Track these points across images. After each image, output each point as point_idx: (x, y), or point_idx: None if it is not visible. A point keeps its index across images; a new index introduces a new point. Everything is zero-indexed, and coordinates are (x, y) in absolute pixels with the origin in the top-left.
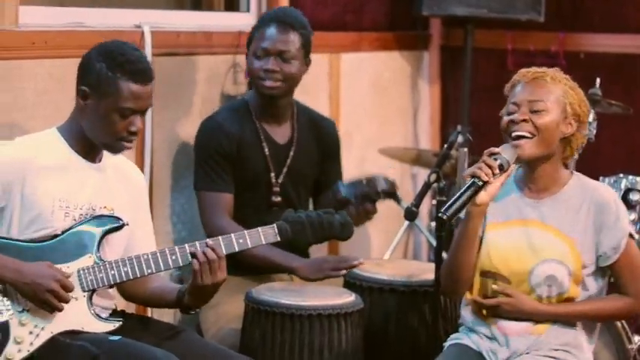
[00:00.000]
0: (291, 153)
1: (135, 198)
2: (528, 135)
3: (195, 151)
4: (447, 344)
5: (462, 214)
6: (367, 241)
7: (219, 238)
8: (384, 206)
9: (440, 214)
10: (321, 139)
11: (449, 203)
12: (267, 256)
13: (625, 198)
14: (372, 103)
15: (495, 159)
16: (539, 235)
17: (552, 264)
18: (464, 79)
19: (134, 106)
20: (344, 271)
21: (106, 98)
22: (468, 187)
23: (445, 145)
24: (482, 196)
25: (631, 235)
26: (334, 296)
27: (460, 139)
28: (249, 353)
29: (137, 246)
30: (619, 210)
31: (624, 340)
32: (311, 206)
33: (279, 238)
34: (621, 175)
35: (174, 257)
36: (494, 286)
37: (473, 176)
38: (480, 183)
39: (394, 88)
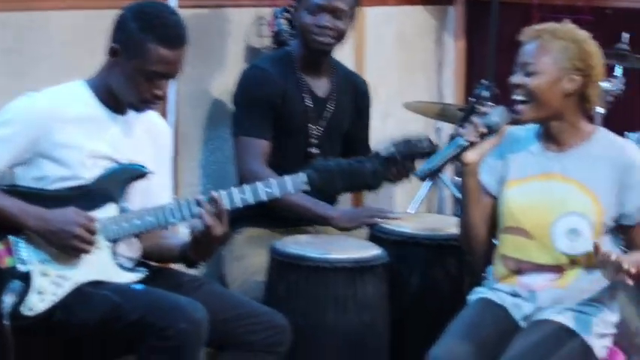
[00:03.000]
0: (330, 106)
1: (159, 151)
2: (523, 99)
3: (237, 98)
4: (471, 298)
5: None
6: (391, 195)
7: (245, 187)
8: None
9: (417, 173)
10: (356, 95)
11: (427, 161)
12: (303, 204)
13: None
14: (396, 57)
15: (483, 120)
16: (562, 188)
17: (574, 217)
18: (489, 34)
19: (161, 70)
20: (379, 220)
21: (134, 59)
22: (450, 146)
23: (470, 99)
24: (470, 156)
25: None
26: (360, 249)
27: (486, 93)
28: (273, 305)
29: (155, 200)
30: None
31: None
32: None
33: (308, 187)
34: None
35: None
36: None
37: (457, 135)
38: (465, 143)
39: (419, 43)
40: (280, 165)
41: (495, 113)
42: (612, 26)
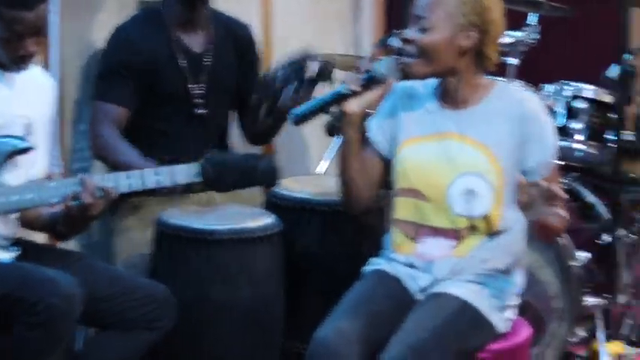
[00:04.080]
0: (209, 61)
1: (47, 108)
2: (413, 54)
3: (100, 62)
4: (365, 270)
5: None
6: (307, 154)
7: (138, 172)
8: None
9: (291, 116)
10: (238, 44)
11: (303, 105)
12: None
13: (569, 106)
14: (308, 7)
15: (370, 69)
16: (458, 147)
17: (471, 177)
18: None
19: (20, 31)
20: None
21: None
22: (332, 94)
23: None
24: (350, 105)
25: None
26: (250, 218)
27: (396, 43)
28: (159, 280)
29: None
30: (544, 122)
31: (567, 257)
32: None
33: (199, 179)
34: (564, 81)
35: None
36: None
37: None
38: (346, 91)
39: None
40: (168, 130)
41: (383, 64)
42: None
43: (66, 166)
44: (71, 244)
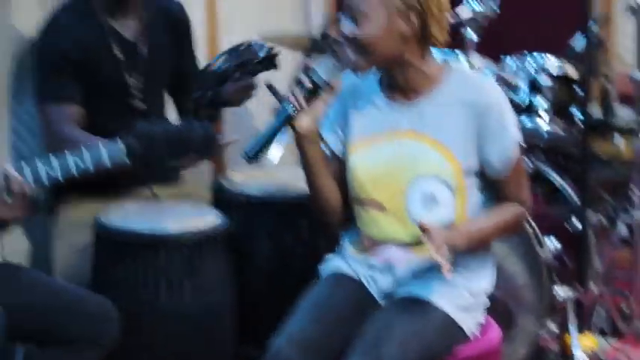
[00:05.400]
0: (143, 49)
1: None
2: (353, 50)
3: (36, 58)
4: (322, 268)
5: None
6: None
7: (52, 158)
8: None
9: (243, 155)
10: (171, 26)
11: (254, 140)
12: None
13: (532, 81)
14: None
15: (310, 77)
16: (412, 147)
17: (428, 181)
18: None
19: None
20: None
21: None
22: (277, 117)
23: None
24: (303, 123)
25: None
26: (196, 218)
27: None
28: (101, 290)
29: None
30: (504, 113)
31: (534, 244)
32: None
33: (126, 159)
34: (526, 53)
35: None
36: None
37: (283, 100)
38: (292, 111)
39: None
40: (107, 125)
41: (321, 68)
42: None
43: None
44: (8, 249)
